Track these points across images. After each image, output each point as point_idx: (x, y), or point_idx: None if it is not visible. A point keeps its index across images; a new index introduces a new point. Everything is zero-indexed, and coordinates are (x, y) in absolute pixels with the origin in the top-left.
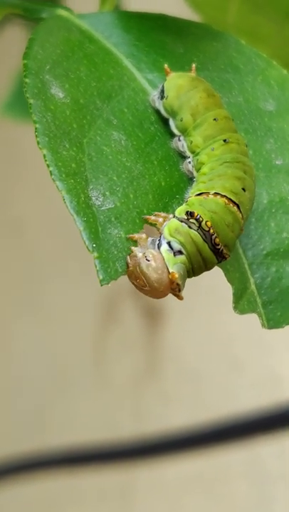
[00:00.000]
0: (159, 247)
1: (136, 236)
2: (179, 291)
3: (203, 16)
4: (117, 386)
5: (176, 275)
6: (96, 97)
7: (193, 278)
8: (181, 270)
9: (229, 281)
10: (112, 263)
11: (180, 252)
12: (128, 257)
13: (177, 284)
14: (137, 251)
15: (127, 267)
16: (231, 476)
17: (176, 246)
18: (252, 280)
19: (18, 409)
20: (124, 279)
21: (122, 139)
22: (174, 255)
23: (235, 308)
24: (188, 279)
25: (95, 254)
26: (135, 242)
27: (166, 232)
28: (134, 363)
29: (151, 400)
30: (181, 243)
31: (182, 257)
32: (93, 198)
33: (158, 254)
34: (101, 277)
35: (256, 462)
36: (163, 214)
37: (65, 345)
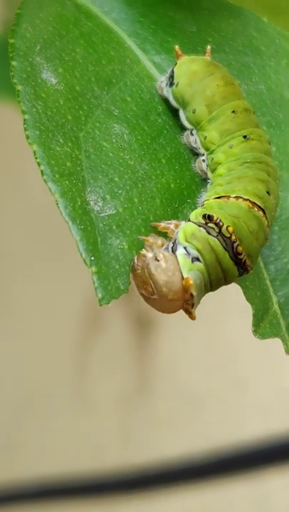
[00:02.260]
0: (173, 251)
1: (150, 239)
2: (193, 306)
3: None
4: (102, 408)
5: (191, 282)
6: (94, 83)
7: None
8: (197, 279)
9: (248, 300)
10: (112, 279)
11: (197, 260)
12: (135, 258)
13: (191, 295)
14: (148, 251)
15: (134, 270)
16: None
17: (193, 252)
18: (275, 299)
19: None
20: None
21: (125, 132)
22: (192, 261)
23: (255, 332)
24: None
25: (94, 268)
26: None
27: (180, 236)
28: (121, 380)
29: (141, 424)
30: (198, 250)
31: (200, 265)
32: (91, 203)
33: (171, 256)
34: (100, 296)
35: (262, 497)
36: (174, 221)
37: (41, 360)
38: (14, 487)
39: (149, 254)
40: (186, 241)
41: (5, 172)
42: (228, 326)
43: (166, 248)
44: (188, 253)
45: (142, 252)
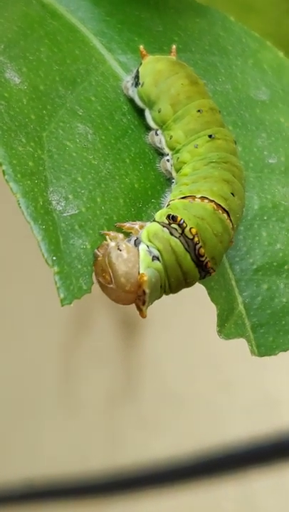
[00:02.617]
0: (136, 245)
1: (111, 233)
2: (144, 303)
3: None
4: (89, 409)
5: (146, 278)
6: (58, 82)
7: None
8: (153, 277)
9: (213, 300)
10: (75, 279)
11: (157, 259)
12: (98, 248)
13: (144, 292)
14: (110, 240)
15: (95, 258)
16: None
17: (154, 251)
18: (240, 299)
19: None
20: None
21: (89, 132)
22: (152, 260)
23: (219, 332)
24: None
25: (56, 268)
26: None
27: (144, 235)
28: (108, 381)
29: (128, 426)
30: (158, 250)
31: (159, 264)
32: (53, 203)
33: (133, 248)
34: (62, 296)
35: (249, 498)
36: (140, 222)
37: (28, 361)
38: (2, 489)
39: (112, 244)
40: (149, 240)
41: None
42: (213, 328)
43: (129, 241)
44: (150, 251)
45: (104, 242)
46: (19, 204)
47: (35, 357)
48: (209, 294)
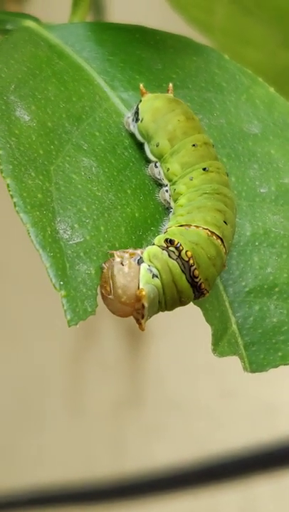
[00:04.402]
0: (139, 263)
1: (118, 252)
2: (142, 317)
3: (189, 19)
4: (95, 417)
5: (144, 293)
6: (65, 119)
7: None
8: (152, 293)
9: (208, 321)
10: (80, 302)
11: (156, 277)
12: (105, 262)
13: (142, 306)
14: (118, 257)
15: (101, 270)
16: None
17: (154, 270)
18: (233, 320)
19: None
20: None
21: (93, 165)
22: (152, 277)
23: (214, 350)
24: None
25: (63, 292)
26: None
27: (145, 256)
28: (113, 390)
29: (132, 433)
30: (157, 269)
31: (158, 281)
32: (61, 231)
33: (135, 265)
34: (69, 318)
35: (250, 504)
36: (131, 250)
37: (35, 370)
38: (8, 495)
39: (118, 259)
40: (149, 260)
41: None
42: None
43: (134, 259)
44: (150, 269)
45: (111, 257)
46: (29, 233)
47: (42, 365)
48: (204, 314)
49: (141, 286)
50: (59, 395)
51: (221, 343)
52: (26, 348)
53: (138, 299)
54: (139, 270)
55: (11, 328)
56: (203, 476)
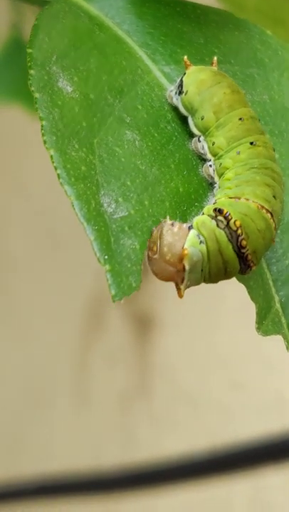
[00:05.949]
0: (189, 229)
1: (170, 222)
2: (182, 280)
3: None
4: (102, 406)
5: (188, 252)
6: (107, 92)
7: None
8: (195, 256)
9: (252, 299)
10: (125, 277)
11: (203, 244)
12: (155, 226)
13: (183, 267)
14: (168, 219)
15: (151, 234)
16: (232, 511)
17: (201, 237)
18: (277, 298)
19: None
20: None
21: (136, 139)
22: (199, 243)
23: (258, 329)
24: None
25: (107, 266)
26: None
27: (194, 224)
28: (121, 379)
29: (141, 423)
30: (204, 236)
31: (203, 247)
32: (105, 205)
33: (185, 228)
34: (113, 292)
35: (261, 495)
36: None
37: (42, 359)
38: (15, 484)
39: (168, 221)
40: (197, 228)
41: (5, 172)
42: (226, 328)
43: (185, 225)
44: (198, 236)
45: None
46: (73, 206)
47: (51, 356)
48: (249, 292)
49: (185, 246)
50: (68, 385)
51: (264, 322)
52: (34, 338)
53: (180, 258)
54: (187, 233)
55: (19, 319)
56: (213, 467)
